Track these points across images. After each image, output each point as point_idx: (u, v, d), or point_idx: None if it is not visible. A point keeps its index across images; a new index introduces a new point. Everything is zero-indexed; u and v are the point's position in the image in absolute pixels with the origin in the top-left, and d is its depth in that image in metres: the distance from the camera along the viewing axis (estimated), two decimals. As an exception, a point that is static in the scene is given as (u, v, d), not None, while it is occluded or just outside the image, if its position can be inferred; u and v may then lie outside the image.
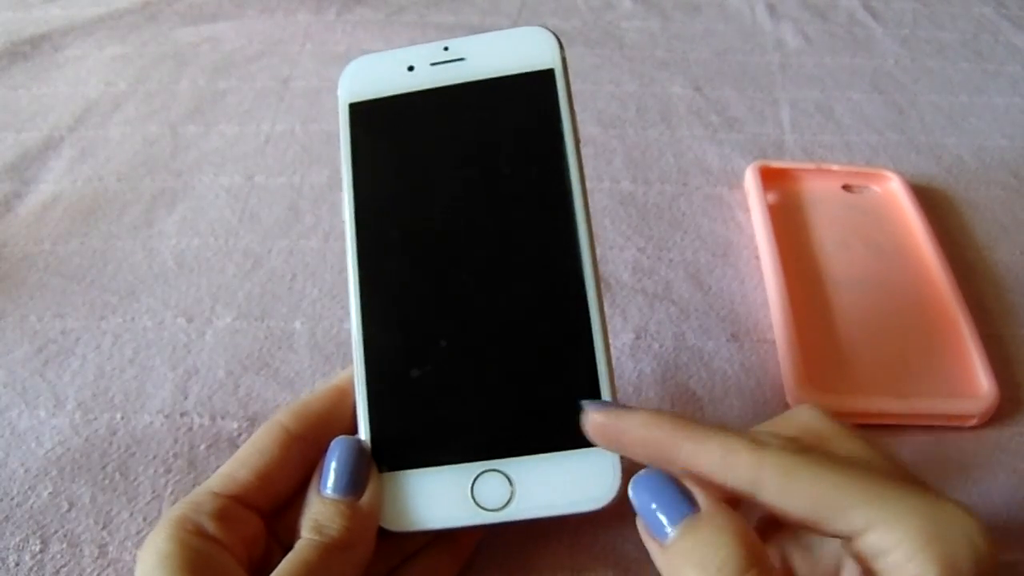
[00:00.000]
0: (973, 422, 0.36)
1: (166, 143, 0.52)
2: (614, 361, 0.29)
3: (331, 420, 0.29)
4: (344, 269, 0.30)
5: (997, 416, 0.37)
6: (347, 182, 0.30)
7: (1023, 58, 0.61)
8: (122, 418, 0.36)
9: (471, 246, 0.29)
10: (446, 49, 0.31)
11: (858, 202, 0.48)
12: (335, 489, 0.27)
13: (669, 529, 0.23)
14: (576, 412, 0.27)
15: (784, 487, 0.22)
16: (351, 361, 0.29)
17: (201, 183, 0.49)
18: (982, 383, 0.37)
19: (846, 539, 0.22)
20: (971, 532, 0.21)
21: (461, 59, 0.31)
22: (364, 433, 0.28)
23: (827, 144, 0.53)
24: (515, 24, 0.63)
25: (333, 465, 0.27)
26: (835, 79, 0.58)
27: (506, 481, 0.27)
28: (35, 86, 0.56)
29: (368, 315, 0.29)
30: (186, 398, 0.37)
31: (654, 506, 0.24)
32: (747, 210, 0.47)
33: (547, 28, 0.31)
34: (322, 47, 0.60)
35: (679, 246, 0.45)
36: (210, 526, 0.25)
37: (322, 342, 0.40)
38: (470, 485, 0.27)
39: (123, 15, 0.63)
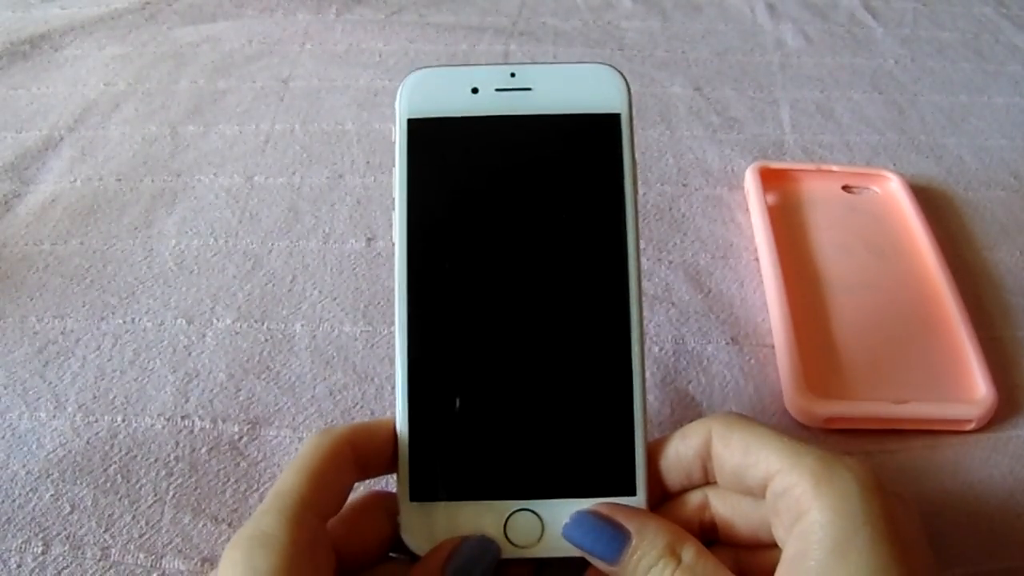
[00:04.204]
0: (971, 426, 0.36)
1: (166, 143, 0.52)
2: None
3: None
4: (391, 291, 0.29)
5: (995, 420, 0.37)
6: (400, 203, 0.29)
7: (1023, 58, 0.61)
8: (123, 420, 0.36)
9: (522, 285, 0.29)
10: (513, 75, 0.30)
11: (858, 203, 0.48)
12: None
13: (614, 557, 0.26)
14: (608, 460, 0.28)
15: (726, 440, 0.27)
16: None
17: (201, 183, 0.49)
18: (980, 387, 0.37)
19: (762, 488, 0.26)
20: (861, 478, 0.24)
21: (527, 88, 0.30)
22: (403, 461, 0.28)
23: (827, 144, 0.53)
24: (515, 23, 0.63)
25: (468, 559, 0.27)
26: (835, 79, 0.58)
27: (538, 520, 0.28)
28: (35, 86, 0.56)
29: (414, 344, 0.29)
30: (187, 401, 0.37)
31: (593, 544, 0.27)
32: (747, 211, 0.47)
33: (617, 69, 0.30)
34: (322, 47, 0.60)
35: (679, 248, 0.45)
36: None
37: (322, 345, 0.40)
38: (503, 522, 0.28)
39: (123, 15, 0.63)
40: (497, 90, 0.30)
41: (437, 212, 0.29)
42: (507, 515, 0.28)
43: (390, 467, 0.28)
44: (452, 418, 0.28)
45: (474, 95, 0.30)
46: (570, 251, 0.29)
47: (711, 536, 0.28)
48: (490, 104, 0.29)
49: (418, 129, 0.29)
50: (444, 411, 0.28)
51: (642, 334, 0.29)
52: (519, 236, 0.29)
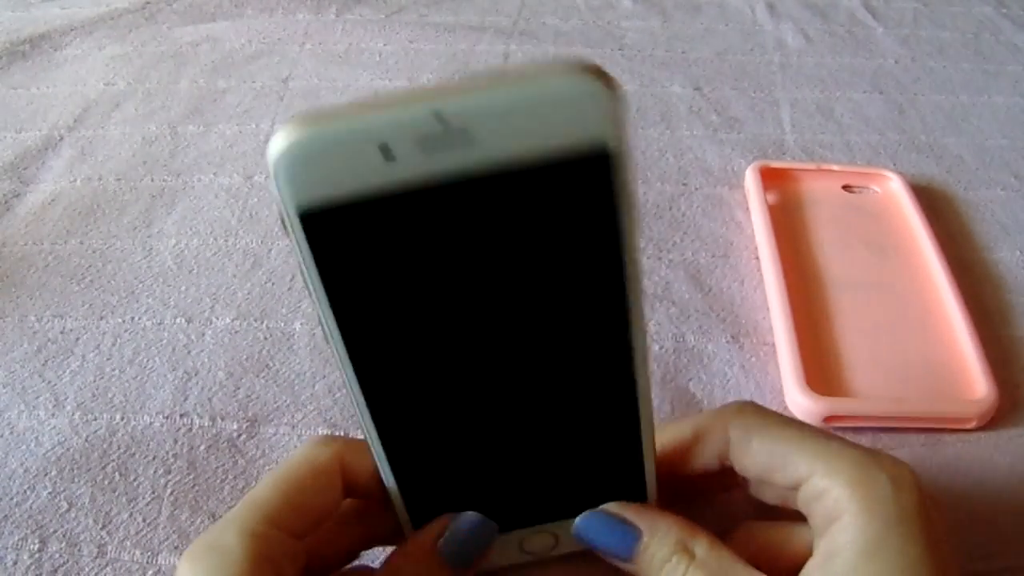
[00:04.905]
0: (972, 425, 0.36)
1: (165, 143, 0.52)
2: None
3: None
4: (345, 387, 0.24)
5: (996, 418, 0.37)
6: (324, 309, 0.21)
7: (1024, 58, 0.61)
8: (122, 419, 0.36)
9: (505, 374, 0.24)
10: (440, 119, 0.18)
11: (858, 202, 0.48)
12: (455, 561, 0.26)
13: (626, 554, 0.27)
14: (615, 477, 0.27)
15: (744, 444, 0.26)
16: None
17: (200, 183, 0.49)
18: (981, 386, 0.37)
19: (793, 489, 0.25)
20: (897, 478, 0.24)
21: (465, 136, 0.18)
22: (402, 514, 0.27)
23: (827, 144, 0.53)
24: (515, 23, 0.63)
25: (463, 538, 0.26)
26: (835, 79, 0.58)
27: (551, 535, 0.28)
28: (34, 85, 0.56)
29: (387, 439, 0.24)
30: (186, 399, 0.37)
31: (606, 542, 0.27)
32: (747, 210, 0.47)
33: (596, 70, 0.18)
34: (321, 46, 0.60)
35: (679, 246, 0.45)
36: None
37: (322, 344, 0.40)
38: (518, 543, 0.28)
39: (122, 14, 0.63)
40: (419, 146, 0.18)
41: (373, 320, 0.22)
42: (521, 539, 0.28)
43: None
44: (443, 473, 0.26)
45: (386, 160, 0.19)
46: (559, 325, 0.23)
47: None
48: (411, 168, 0.19)
49: (318, 223, 0.19)
50: (433, 468, 0.26)
51: (647, 383, 0.25)
52: (488, 324, 0.22)
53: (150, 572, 0.31)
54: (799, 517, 0.27)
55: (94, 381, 0.38)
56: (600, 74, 0.18)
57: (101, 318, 0.41)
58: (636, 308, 0.22)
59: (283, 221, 0.19)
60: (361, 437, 0.25)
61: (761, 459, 0.26)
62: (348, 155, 0.18)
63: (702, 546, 0.26)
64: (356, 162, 0.19)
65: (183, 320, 0.41)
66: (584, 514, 0.27)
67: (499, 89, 0.18)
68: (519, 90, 0.18)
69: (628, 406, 0.25)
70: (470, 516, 0.27)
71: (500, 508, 0.27)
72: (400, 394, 0.23)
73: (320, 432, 0.36)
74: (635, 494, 0.27)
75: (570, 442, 0.26)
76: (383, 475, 0.25)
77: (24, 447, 0.35)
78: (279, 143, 0.18)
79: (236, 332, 0.40)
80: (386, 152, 0.18)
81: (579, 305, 0.22)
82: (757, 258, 0.44)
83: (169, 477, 0.34)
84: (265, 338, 0.40)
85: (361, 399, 0.23)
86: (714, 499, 0.29)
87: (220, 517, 0.32)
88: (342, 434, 0.36)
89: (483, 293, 0.21)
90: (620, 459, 0.27)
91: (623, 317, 0.22)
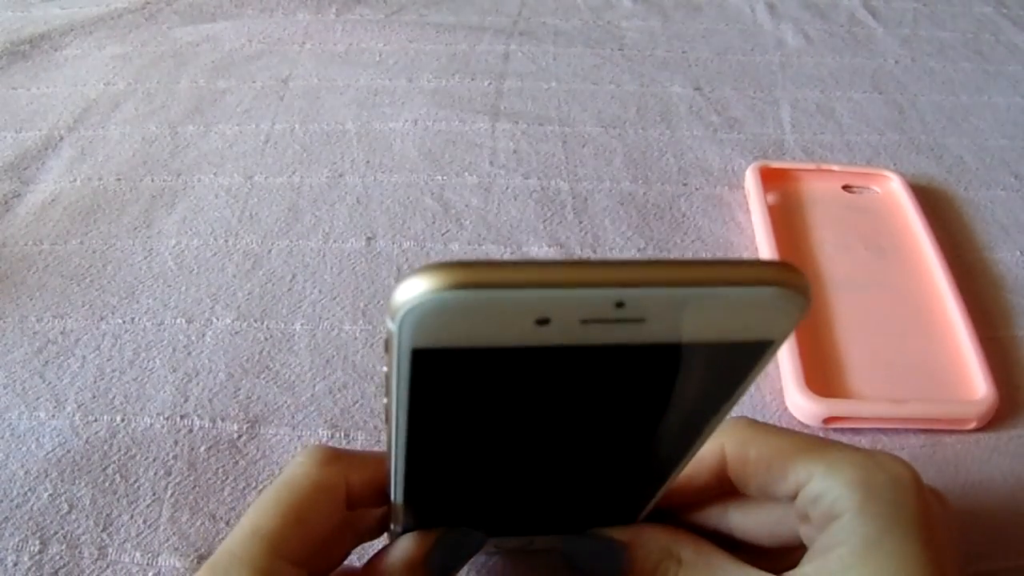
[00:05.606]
0: (971, 425, 0.36)
1: (165, 143, 0.52)
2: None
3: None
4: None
5: (996, 419, 0.37)
6: (400, 423, 0.20)
7: (1024, 58, 0.61)
8: (122, 420, 0.36)
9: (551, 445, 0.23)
10: (619, 305, 0.16)
11: (858, 202, 0.48)
12: (439, 571, 0.26)
13: (615, 568, 0.27)
14: (616, 519, 0.27)
15: (742, 458, 0.26)
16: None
17: (200, 183, 0.49)
18: (980, 386, 0.37)
19: (791, 496, 0.25)
20: (896, 478, 0.24)
21: (636, 319, 0.17)
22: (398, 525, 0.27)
23: (827, 144, 0.53)
24: (515, 23, 0.63)
25: (453, 551, 0.27)
26: (836, 79, 0.58)
27: (530, 539, 0.29)
28: (34, 86, 0.56)
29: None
30: (186, 400, 0.37)
31: (595, 560, 0.27)
32: (747, 210, 0.47)
33: (796, 279, 0.17)
34: (322, 46, 0.60)
35: (679, 247, 0.45)
36: None
37: (322, 344, 0.40)
38: (494, 543, 0.28)
39: (122, 14, 0.63)
40: (583, 320, 0.17)
41: (448, 428, 0.21)
42: (499, 540, 0.28)
43: (381, 502, 0.26)
44: (454, 500, 0.26)
45: (539, 327, 0.17)
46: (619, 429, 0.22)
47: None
48: (564, 336, 0.17)
49: (430, 358, 0.17)
50: (446, 497, 0.26)
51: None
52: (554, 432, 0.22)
53: (151, 574, 0.31)
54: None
55: (94, 382, 0.38)
56: (799, 283, 0.17)
57: (101, 319, 0.41)
58: (706, 436, 0.22)
59: (387, 346, 0.17)
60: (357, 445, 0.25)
61: (760, 470, 0.25)
62: (496, 318, 0.16)
63: (688, 550, 0.26)
64: (503, 324, 0.17)
65: (183, 321, 0.41)
66: (568, 538, 0.28)
67: (695, 286, 0.16)
68: (715, 290, 0.16)
69: (652, 492, 0.26)
70: (465, 533, 0.27)
71: (494, 523, 0.27)
72: (443, 464, 0.23)
73: (320, 433, 0.36)
74: (629, 519, 0.28)
75: (586, 498, 0.26)
76: (393, 495, 0.25)
77: (24, 448, 0.35)
78: (418, 290, 0.16)
79: (236, 333, 0.40)
80: (542, 321, 0.17)
81: (655, 428, 0.22)
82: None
83: (170, 479, 0.34)
84: (266, 339, 0.40)
85: (403, 462, 0.22)
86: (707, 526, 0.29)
87: (220, 518, 0.33)
88: (342, 435, 0.36)
89: (572, 415, 0.21)
90: (626, 512, 0.27)
91: (688, 446, 0.23)
